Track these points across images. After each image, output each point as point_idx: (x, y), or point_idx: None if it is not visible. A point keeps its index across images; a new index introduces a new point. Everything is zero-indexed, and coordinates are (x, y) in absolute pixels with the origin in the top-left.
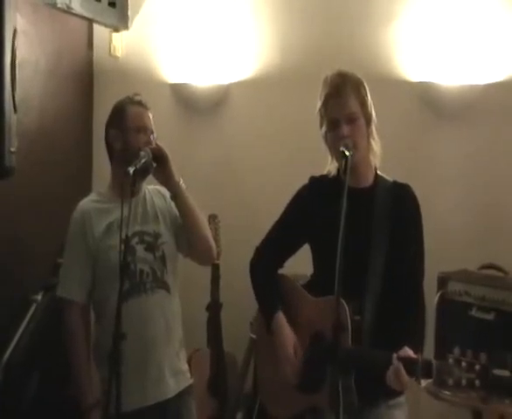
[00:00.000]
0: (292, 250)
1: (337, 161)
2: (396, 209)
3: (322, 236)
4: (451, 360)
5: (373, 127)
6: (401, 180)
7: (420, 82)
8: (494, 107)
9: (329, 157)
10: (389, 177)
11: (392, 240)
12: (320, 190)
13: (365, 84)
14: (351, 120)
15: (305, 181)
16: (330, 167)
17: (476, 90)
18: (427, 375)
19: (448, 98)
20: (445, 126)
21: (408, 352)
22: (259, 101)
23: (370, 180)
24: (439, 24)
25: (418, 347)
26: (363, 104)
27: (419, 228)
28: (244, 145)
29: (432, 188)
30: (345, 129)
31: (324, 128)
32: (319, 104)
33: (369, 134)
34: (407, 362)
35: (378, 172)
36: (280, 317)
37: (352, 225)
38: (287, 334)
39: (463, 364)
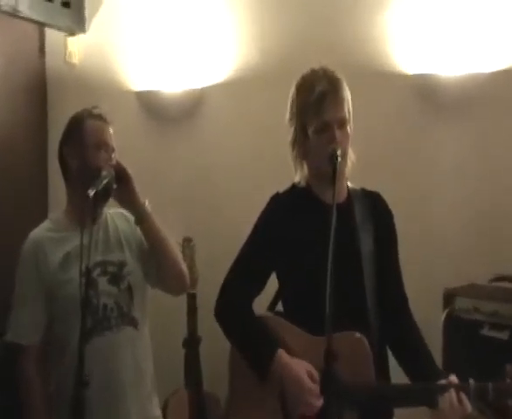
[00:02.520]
0: (264, 282)
1: (317, 166)
2: (375, 219)
3: (300, 261)
4: (509, 380)
5: (351, 130)
6: (397, 183)
7: (416, 74)
8: (501, 98)
9: (298, 167)
10: (354, 185)
11: (380, 255)
12: (290, 205)
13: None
14: (342, 126)
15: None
16: (299, 177)
17: (480, 79)
18: (483, 399)
19: (449, 89)
20: (445, 121)
21: (453, 377)
22: (238, 107)
23: (344, 193)
24: (435, 10)
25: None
26: (349, 106)
27: (396, 236)
28: (222, 158)
29: (431, 191)
30: (338, 134)
31: (311, 130)
32: (298, 102)
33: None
34: (460, 389)
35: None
36: (284, 355)
37: (338, 240)
38: (298, 364)
39: None
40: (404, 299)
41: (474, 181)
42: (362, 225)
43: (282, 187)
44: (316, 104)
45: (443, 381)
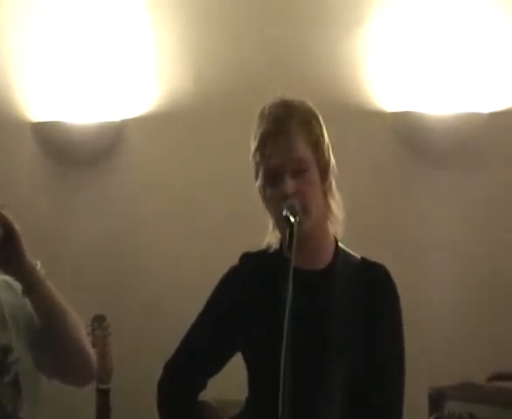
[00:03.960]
0: (219, 362)
1: (280, 229)
2: (366, 298)
3: (262, 340)
4: None
5: (332, 181)
6: (373, 250)
7: (396, 112)
8: (501, 143)
9: (270, 224)
10: (354, 253)
11: (359, 344)
12: (256, 273)
13: (319, 116)
14: (299, 172)
15: (235, 261)
16: (271, 237)
17: (476, 121)
18: None
19: (436, 132)
20: (432, 171)
21: None
22: (166, 146)
23: (327, 257)
24: (421, 35)
25: None
26: (317, 146)
27: (399, 327)
28: (145, 210)
29: (414, 261)
30: (290, 184)
31: (260, 181)
32: (253, 146)
33: (326, 191)
34: None
35: (340, 244)
36: None
37: (304, 323)
38: None
39: None
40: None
41: (469, 249)
42: (341, 304)
43: (224, 255)
44: (260, 146)
45: None
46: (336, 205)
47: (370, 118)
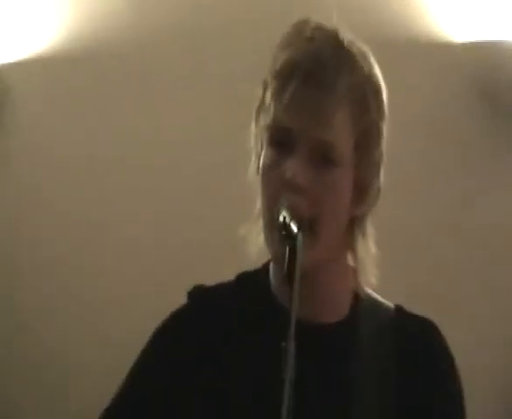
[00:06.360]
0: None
1: (268, 241)
2: (401, 363)
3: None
4: None
5: (368, 212)
6: (446, 249)
7: (470, 43)
8: None
9: (253, 225)
10: (384, 299)
11: None
12: (220, 316)
13: (384, 90)
14: (322, 160)
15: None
16: (254, 244)
17: None
18: None
19: None
20: None
21: None
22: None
23: (343, 307)
24: None
25: None
26: (365, 141)
27: (457, 403)
28: (39, 189)
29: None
30: (300, 168)
31: (258, 146)
32: (264, 83)
33: (354, 219)
34: None
35: (364, 289)
36: None
37: (308, 399)
38: None
39: None
40: None
41: None
42: (369, 371)
43: (165, 281)
44: (280, 81)
45: None
46: (365, 247)
47: (436, 52)
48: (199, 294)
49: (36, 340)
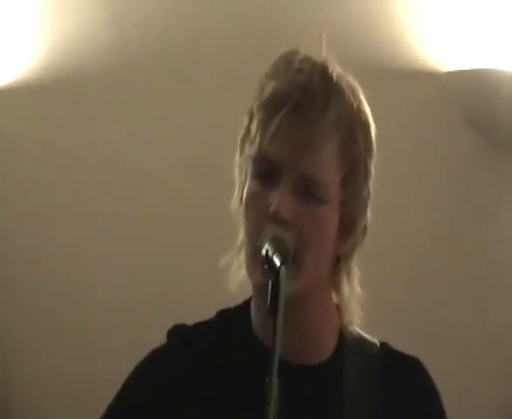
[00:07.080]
0: None
1: (250, 273)
2: (388, 402)
3: None
4: None
5: (355, 249)
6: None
7: (455, 71)
8: None
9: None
10: (371, 337)
11: None
12: (200, 356)
13: (372, 125)
14: (309, 195)
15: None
16: (234, 279)
17: None
18: None
19: None
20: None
21: None
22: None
23: (328, 343)
24: None
25: None
26: (353, 177)
27: None
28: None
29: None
30: (287, 203)
31: (242, 175)
32: (248, 114)
33: (340, 256)
34: None
35: (348, 326)
36: None
37: None
38: None
39: None
40: None
41: None
42: (351, 414)
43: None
44: (265, 110)
45: None
46: (349, 286)
47: (421, 80)
48: (179, 333)
49: (33, 337)
